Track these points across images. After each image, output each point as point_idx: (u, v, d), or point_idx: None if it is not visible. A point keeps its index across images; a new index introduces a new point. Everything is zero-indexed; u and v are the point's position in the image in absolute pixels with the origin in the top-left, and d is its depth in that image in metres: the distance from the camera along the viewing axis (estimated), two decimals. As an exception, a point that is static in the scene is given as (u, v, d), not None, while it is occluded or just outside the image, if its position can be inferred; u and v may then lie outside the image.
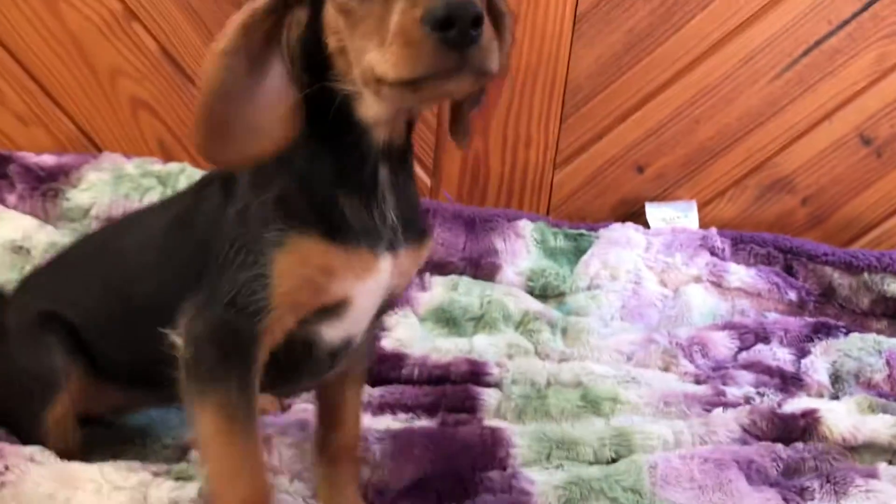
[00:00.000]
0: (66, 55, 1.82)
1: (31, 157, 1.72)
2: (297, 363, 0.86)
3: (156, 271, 0.92)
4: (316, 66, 0.76)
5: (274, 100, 0.75)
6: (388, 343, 1.39)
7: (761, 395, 1.29)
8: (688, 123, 1.77)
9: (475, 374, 1.31)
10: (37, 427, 0.96)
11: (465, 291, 1.53)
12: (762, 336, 1.45)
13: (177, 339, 0.81)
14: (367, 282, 0.82)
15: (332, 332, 0.84)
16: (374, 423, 1.14)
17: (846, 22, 1.68)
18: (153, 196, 1.63)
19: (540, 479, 1.01)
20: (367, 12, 0.70)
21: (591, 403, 1.23)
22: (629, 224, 1.69)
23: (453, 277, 1.57)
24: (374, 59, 0.69)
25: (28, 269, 1.42)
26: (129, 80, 1.82)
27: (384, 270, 0.82)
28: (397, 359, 1.33)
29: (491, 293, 1.52)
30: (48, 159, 1.71)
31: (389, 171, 0.81)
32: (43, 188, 1.66)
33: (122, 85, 1.83)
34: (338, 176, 0.80)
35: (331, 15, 0.74)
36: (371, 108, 0.77)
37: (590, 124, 1.79)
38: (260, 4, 0.74)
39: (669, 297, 1.57)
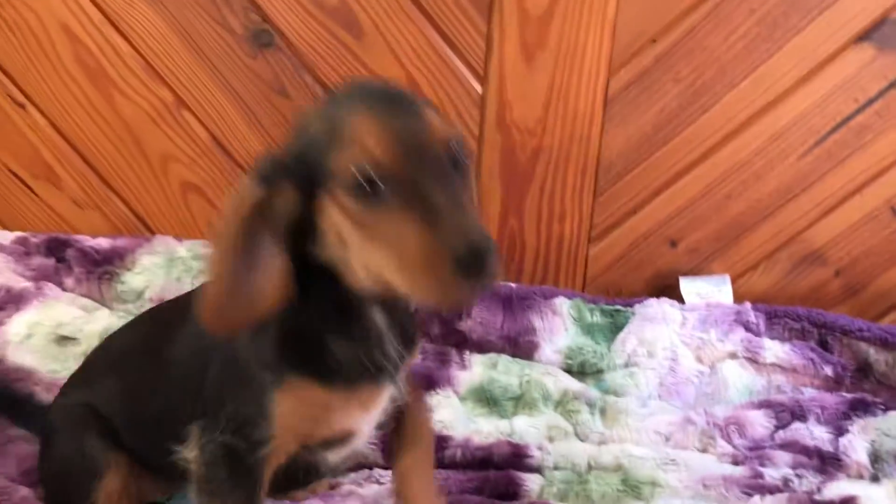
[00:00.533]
0: (119, 142, 1.91)
1: (88, 241, 1.81)
2: (303, 474, 0.92)
3: (171, 387, 0.98)
4: (304, 239, 0.79)
5: (268, 272, 0.78)
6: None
7: (800, 477, 1.31)
8: (719, 199, 1.81)
9: (517, 456, 1.35)
10: None
11: (504, 370, 1.57)
12: (799, 414, 1.47)
13: (188, 455, 0.88)
14: (371, 413, 0.89)
15: (336, 456, 0.90)
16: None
17: (872, 100, 1.72)
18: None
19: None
20: (377, 222, 0.72)
21: (632, 488, 1.26)
22: (664, 299, 1.72)
23: (492, 356, 1.61)
24: (389, 272, 0.72)
25: (74, 358, 1.47)
26: (179, 165, 1.91)
27: (387, 398, 0.90)
28: (441, 441, 1.37)
29: (530, 372, 1.56)
30: (103, 242, 1.80)
31: (386, 313, 0.85)
32: (98, 271, 1.74)
33: (173, 170, 1.92)
34: (330, 322, 0.84)
35: (331, 210, 0.75)
36: (363, 283, 0.79)
37: (623, 200, 1.84)
38: (248, 199, 0.76)
39: (706, 374, 1.60)
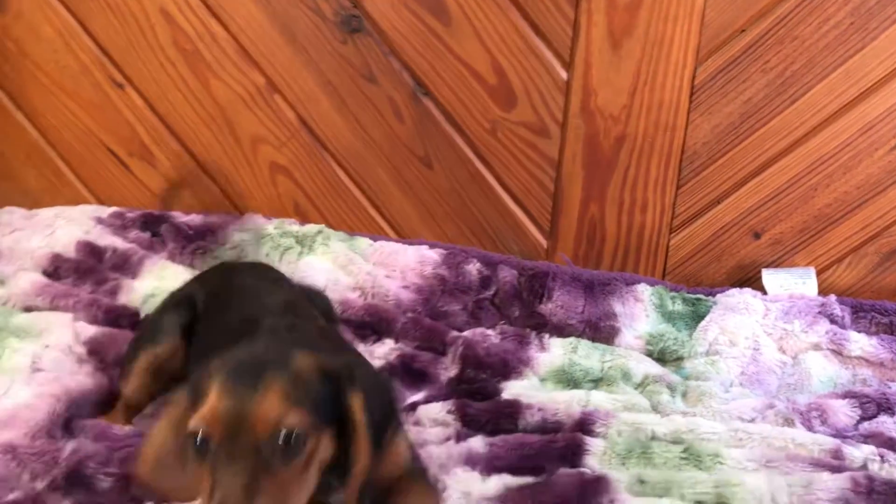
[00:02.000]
0: (212, 123, 1.98)
1: (181, 217, 1.89)
2: None
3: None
4: None
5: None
6: (506, 395, 1.46)
7: (883, 460, 1.28)
8: (805, 191, 1.79)
9: (584, 423, 1.35)
10: (127, 370, 1.28)
11: (585, 355, 1.58)
12: (885, 406, 1.45)
13: None
14: None
15: None
16: (484, 487, 1.19)
17: (968, 93, 1.69)
18: (291, 255, 1.75)
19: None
20: (200, 469, 0.87)
21: (694, 457, 1.26)
22: (747, 289, 1.71)
23: (572, 340, 1.63)
24: None
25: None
26: (269, 147, 1.97)
27: None
28: (514, 409, 1.39)
29: (612, 356, 1.57)
30: (196, 219, 1.87)
31: None
32: (191, 247, 1.80)
33: (262, 151, 1.98)
34: None
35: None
36: None
37: (706, 190, 1.83)
38: (177, 410, 0.95)
39: (788, 365, 1.59)
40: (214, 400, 0.87)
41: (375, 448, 0.93)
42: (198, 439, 0.86)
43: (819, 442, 1.30)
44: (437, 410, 1.39)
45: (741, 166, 1.81)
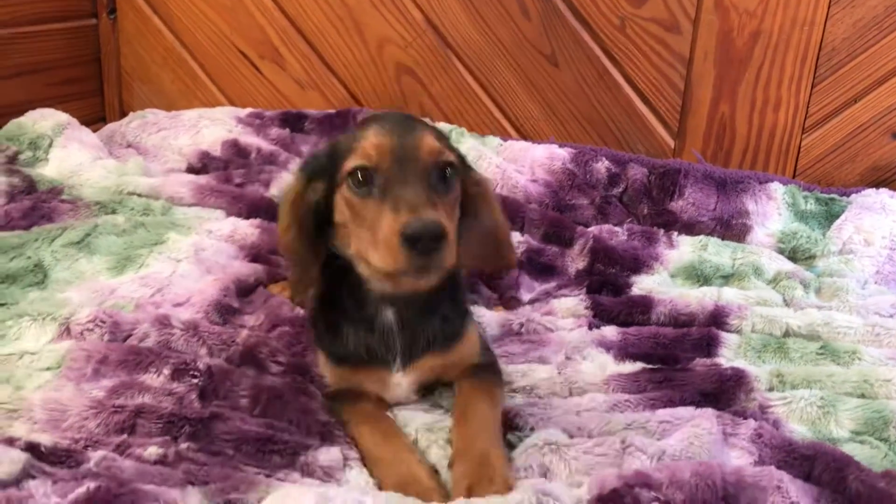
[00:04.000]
0: (340, 25, 2.02)
1: (317, 114, 1.96)
2: None
3: None
4: (325, 227, 1.02)
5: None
6: (637, 290, 1.49)
7: None
8: (950, 89, 1.72)
9: (719, 316, 1.36)
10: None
11: (714, 252, 1.59)
12: None
13: None
14: (386, 388, 1.06)
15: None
16: (618, 367, 1.23)
17: None
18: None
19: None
20: (365, 210, 0.94)
21: (831, 353, 1.26)
22: (884, 190, 1.67)
23: (702, 238, 1.63)
24: (366, 248, 0.93)
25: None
26: (395, 47, 2.00)
27: (397, 382, 1.05)
28: (646, 303, 1.41)
29: (743, 254, 1.57)
30: (332, 113, 1.95)
31: (396, 313, 1.03)
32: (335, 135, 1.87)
33: (388, 52, 2.01)
34: (348, 314, 1.05)
35: (340, 200, 0.98)
36: (365, 272, 1.00)
37: (843, 88, 1.78)
38: (294, 187, 1.02)
39: (926, 265, 1.56)
40: (376, 139, 0.94)
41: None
42: (360, 176, 0.94)
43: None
44: (572, 303, 1.43)
45: (882, 63, 1.74)
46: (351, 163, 0.95)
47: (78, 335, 1.13)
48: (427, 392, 1.11)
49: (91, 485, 0.80)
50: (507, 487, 0.88)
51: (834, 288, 1.46)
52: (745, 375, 1.17)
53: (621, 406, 1.10)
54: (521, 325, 1.35)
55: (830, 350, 1.28)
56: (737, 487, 0.85)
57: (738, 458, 0.98)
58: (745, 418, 1.05)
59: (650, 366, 1.24)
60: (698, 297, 1.43)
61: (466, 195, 1.03)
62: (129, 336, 1.15)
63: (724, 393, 1.15)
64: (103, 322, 1.14)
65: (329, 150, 1.02)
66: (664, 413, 1.05)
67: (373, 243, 0.91)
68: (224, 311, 1.26)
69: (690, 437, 0.96)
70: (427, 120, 1.81)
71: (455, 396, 1.07)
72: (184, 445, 0.95)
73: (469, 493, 0.87)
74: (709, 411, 1.03)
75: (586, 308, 1.42)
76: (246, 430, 0.98)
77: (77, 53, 2.11)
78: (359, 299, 1.03)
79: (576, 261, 1.58)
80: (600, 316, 1.41)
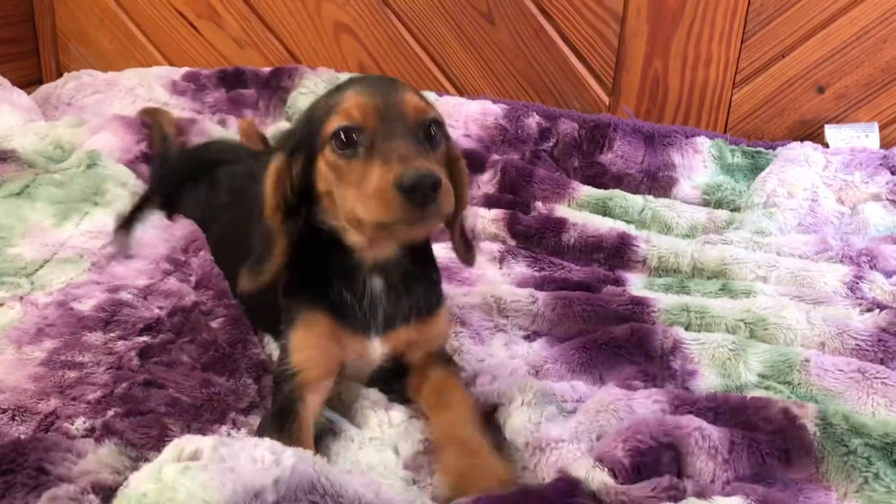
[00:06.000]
0: (277, -17, 2.01)
1: (256, 71, 1.96)
2: None
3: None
4: (309, 201, 0.99)
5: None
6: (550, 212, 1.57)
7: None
8: (873, 43, 1.77)
9: (624, 246, 1.44)
10: None
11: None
12: (940, 253, 1.46)
13: None
14: (363, 353, 1.03)
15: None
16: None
17: None
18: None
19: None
20: (351, 171, 0.91)
21: (729, 292, 1.33)
22: (808, 143, 1.72)
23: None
24: (355, 204, 0.90)
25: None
26: (332, 5, 2.00)
27: (374, 347, 1.03)
28: (559, 224, 1.49)
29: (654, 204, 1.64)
30: (268, 71, 1.95)
31: (384, 281, 1.01)
32: (274, 97, 1.89)
33: (326, 10, 2.00)
34: (335, 279, 1.01)
35: (322, 167, 0.94)
36: (354, 237, 0.98)
37: (772, 44, 1.81)
38: (276, 165, 0.98)
39: (846, 215, 1.60)
40: (358, 96, 0.91)
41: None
42: (343, 137, 0.90)
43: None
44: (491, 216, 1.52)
45: (808, 18, 1.78)
46: (332, 124, 0.91)
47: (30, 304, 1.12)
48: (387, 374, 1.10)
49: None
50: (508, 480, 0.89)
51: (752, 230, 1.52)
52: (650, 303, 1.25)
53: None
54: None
55: (729, 289, 1.34)
56: (667, 436, 0.89)
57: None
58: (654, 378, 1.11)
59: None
60: (608, 225, 1.52)
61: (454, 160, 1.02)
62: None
63: (643, 334, 1.18)
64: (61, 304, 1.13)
65: (304, 120, 0.99)
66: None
67: (363, 198, 0.88)
68: (174, 263, 1.26)
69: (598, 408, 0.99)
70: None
71: (418, 382, 1.06)
72: (111, 412, 0.94)
73: (461, 483, 0.88)
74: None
75: (503, 229, 1.50)
76: (177, 397, 0.99)
77: (10, 13, 2.09)
78: (346, 268, 1.01)
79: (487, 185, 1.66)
80: (515, 236, 1.49)
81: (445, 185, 0.86)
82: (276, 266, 0.98)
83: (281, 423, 0.95)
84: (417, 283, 1.04)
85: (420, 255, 1.04)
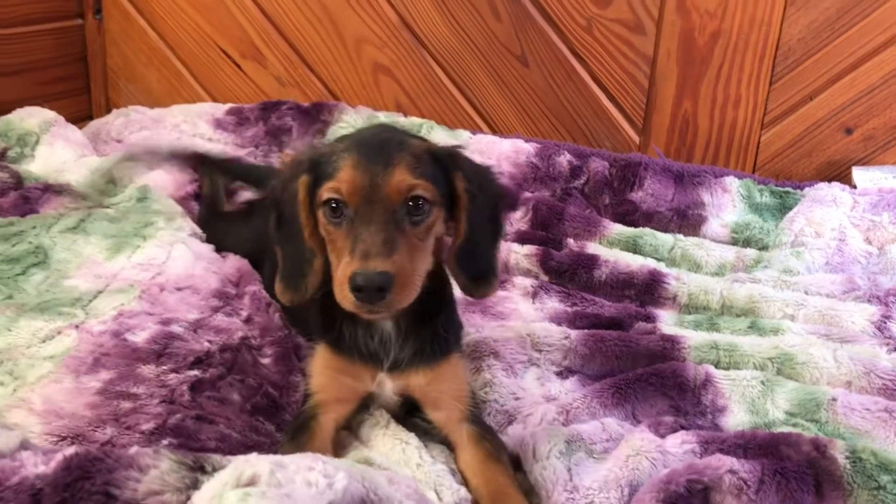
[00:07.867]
0: (319, 25, 2.09)
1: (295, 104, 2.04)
2: None
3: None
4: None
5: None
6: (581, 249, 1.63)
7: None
8: (900, 86, 1.80)
9: (654, 282, 1.49)
10: None
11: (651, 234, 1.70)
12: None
13: None
14: (372, 384, 1.10)
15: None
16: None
17: None
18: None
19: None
20: (337, 238, 0.99)
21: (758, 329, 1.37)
22: (835, 183, 1.75)
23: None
24: (335, 276, 0.98)
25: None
26: (371, 47, 2.07)
27: (383, 381, 1.10)
28: (591, 260, 1.55)
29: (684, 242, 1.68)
30: (309, 105, 2.03)
31: (394, 323, 1.08)
32: (314, 127, 1.96)
33: (365, 51, 2.08)
34: (348, 316, 1.06)
35: (321, 217, 1.01)
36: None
37: (800, 86, 1.85)
38: (302, 189, 1.03)
39: (874, 255, 1.63)
40: (349, 173, 0.98)
41: (477, 225, 1.05)
42: (333, 206, 0.98)
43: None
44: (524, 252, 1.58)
45: (836, 62, 1.82)
46: (325, 192, 0.99)
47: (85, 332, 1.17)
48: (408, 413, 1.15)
49: (68, 451, 0.86)
50: None
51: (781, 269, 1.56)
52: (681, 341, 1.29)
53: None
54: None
55: (758, 326, 1.38)
56: (699, 480, 0.92)
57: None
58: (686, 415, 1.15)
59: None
60: (640, 262, 1.57)
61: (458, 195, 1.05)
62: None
63: (676, 367, 1.21)
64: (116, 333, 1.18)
65: (315, 158, 1.03)
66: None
67: (336, 280, 0.97)
68: (224, 298, 1.31)
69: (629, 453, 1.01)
70: (404, 120, 1.92)
71: (465, 460, 1.07)
72: (165, 442, 1.00)
73: None
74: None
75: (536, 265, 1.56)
76: (227, 433, 1.05)
77: (64, 53, 2.18)
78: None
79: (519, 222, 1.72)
80: (548, 272, 1.55)
81: (403, 276, 0.94)
82: (317, 282, 1.05)
83: (296, 437, 1.04)
84: (426, 329, 1.10)
85: (433, 302, 1.07)
